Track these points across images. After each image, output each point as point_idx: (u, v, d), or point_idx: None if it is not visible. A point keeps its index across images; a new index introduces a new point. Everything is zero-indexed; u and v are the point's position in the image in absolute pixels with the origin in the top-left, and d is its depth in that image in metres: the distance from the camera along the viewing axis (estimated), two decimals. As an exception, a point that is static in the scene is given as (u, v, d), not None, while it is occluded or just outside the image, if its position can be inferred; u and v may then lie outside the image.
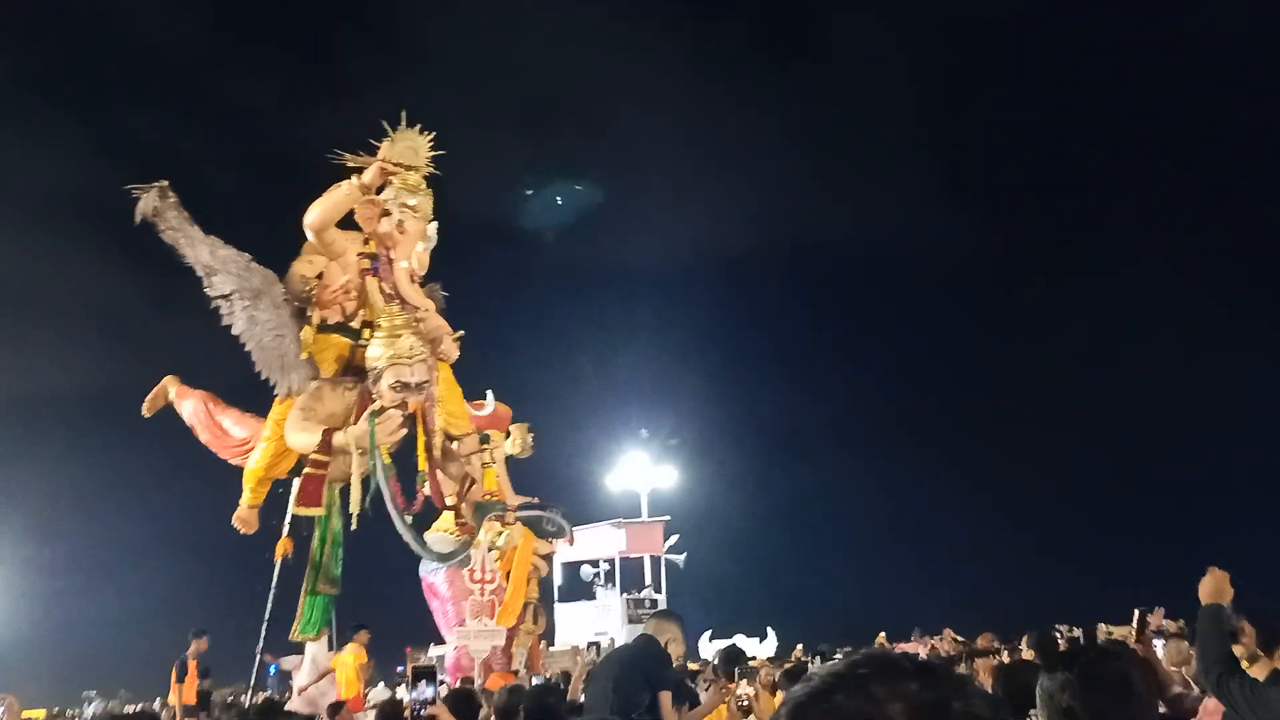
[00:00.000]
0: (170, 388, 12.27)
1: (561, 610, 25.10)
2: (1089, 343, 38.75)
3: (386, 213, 10.86)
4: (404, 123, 10.95)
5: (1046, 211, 39.64)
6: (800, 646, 19.04)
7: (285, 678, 13.50)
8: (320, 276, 11.18)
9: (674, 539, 25.82)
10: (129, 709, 12.98)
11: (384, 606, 12.29)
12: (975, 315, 40.99)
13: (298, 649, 12.13)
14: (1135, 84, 37.64)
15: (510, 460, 14.23)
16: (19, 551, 24.42)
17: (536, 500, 11.99)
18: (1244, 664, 4.18)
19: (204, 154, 34.23)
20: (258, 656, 12.07)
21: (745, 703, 6.73)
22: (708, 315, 40.89)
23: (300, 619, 11.33)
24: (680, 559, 25.61)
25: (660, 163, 41.32)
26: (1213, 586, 4.35)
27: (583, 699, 6.20)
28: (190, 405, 12.02)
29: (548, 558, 13.37)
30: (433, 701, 4.01)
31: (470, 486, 11.70)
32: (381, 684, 16.48)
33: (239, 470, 11.78)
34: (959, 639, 16.22)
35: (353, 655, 11.28)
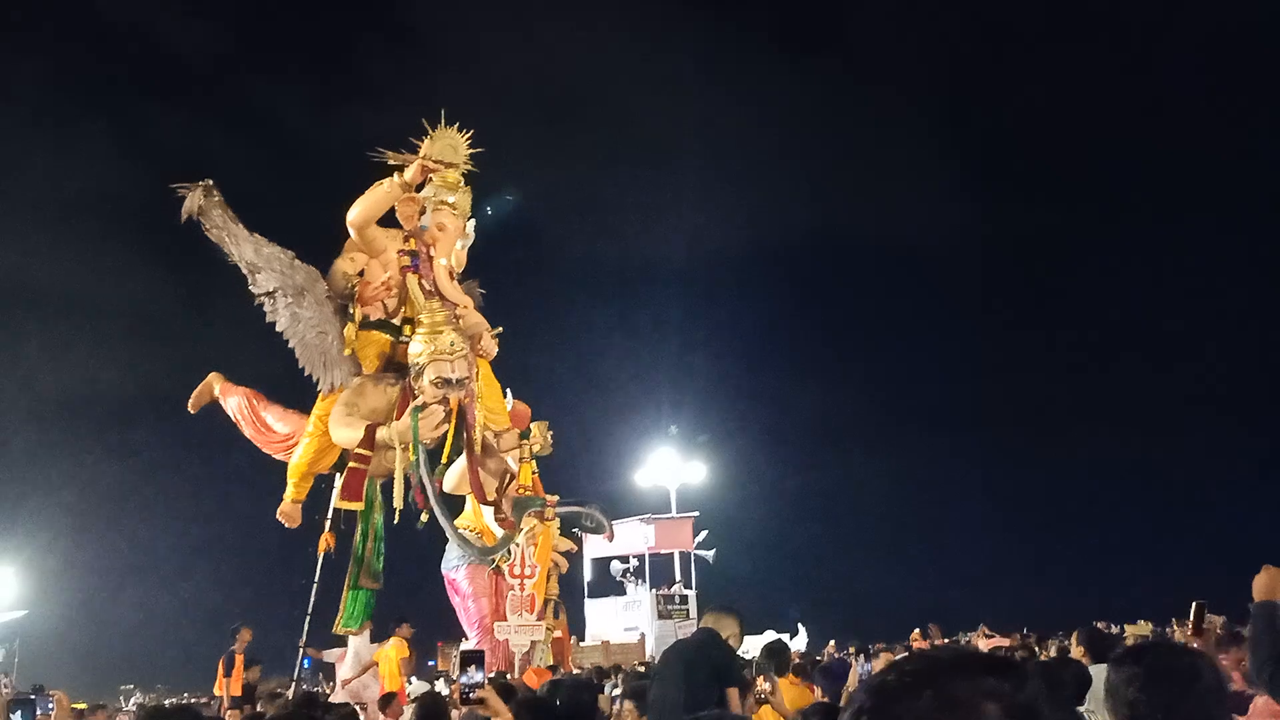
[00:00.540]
0: (215, 384, 12.43)
1: (591, 606, 25.20)
2: (1119, 332, 38.38)
3: (426, 210, 10.97)
4: (443, 121, 11.06)
5: (1071, 202, 39.25)
6: (832, 643, 19.04)
7: (319, 670, 13.65)
8: (362, 273, 11.31)
9: (703, 535, 25.86)
10: (167, 703, 13.18)
11: (418, 602, 12.39)
12: (1003, 307, 40.77)
13: (338, 642, 12.27)
14: (1162, 75, 37.21)
15: (535, 459, 14.33)
16: (61, 549, 24.82)
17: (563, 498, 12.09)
18: None
19: (231, 156, 34.58)
20: (300, 650, 12.23)
21: (761, 695, 6.77)
22: (735, 312, 40.95)
23: (343, 613, 11.44)
24: (709, 554, 25.64)
25: (685, 160, 41.37)
26: (1266, 583, 4.31)
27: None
28: (234, 401, 12.18)
29: (568, 555, 13.41)
30: (481, 685, 4.04)
31: (509, 482, 11.79)
32: (414, 679, 16.62)
33: (280, 466, 11.94)
34: (989, 633, 16.19)
35: (395, 649, 11.40)
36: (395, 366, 11.12)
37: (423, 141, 10.87)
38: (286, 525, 11.71)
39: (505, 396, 13.64)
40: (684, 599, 24.57)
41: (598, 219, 42.17)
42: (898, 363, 42.54)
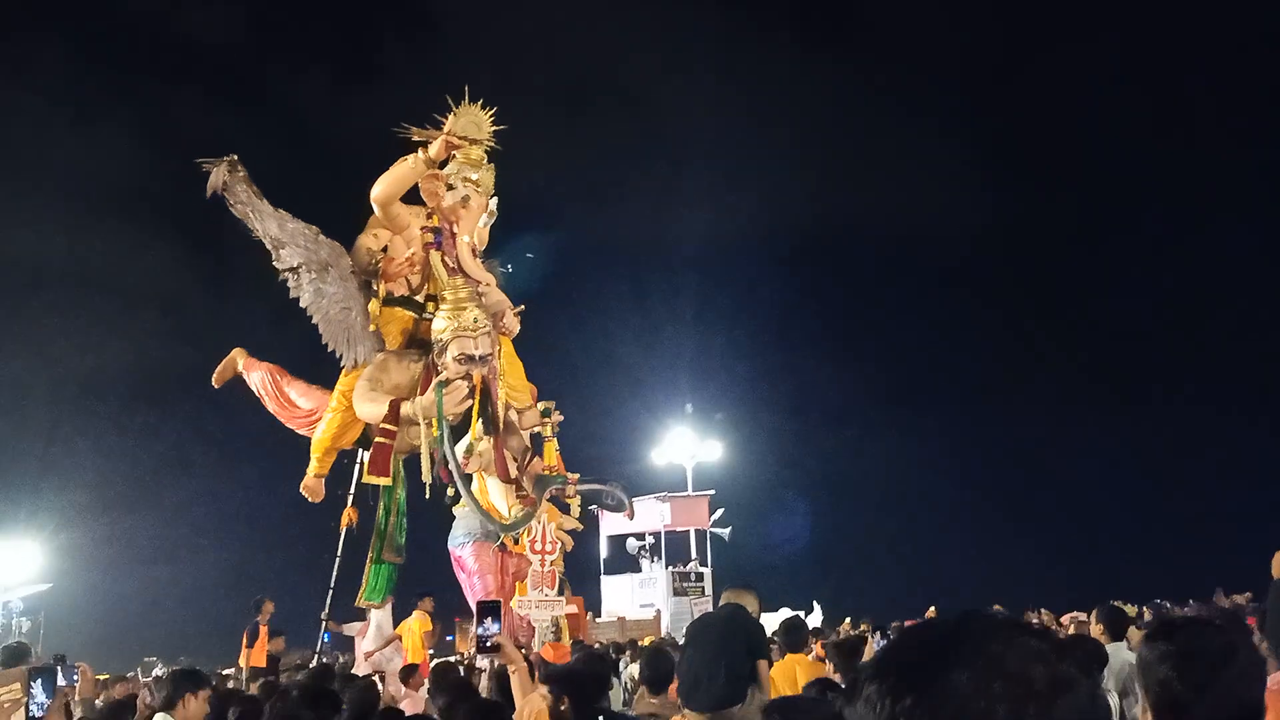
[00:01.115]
0: (239, 359, 12.50)
1: (607, 583, 25.31)
2: (1134, 318, 38.18)
3: (450, 187, 10.95)
4: (466, 98, 11.03)
5: (1091, 188, 38.94)
6: (848, 620, 19.09)
7: (339, 643, 13.77)
8: (385, 250, 11.35)
9: (719, 513, 25.88)
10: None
11: (440, 576, 12.47)
12: (1020, 291, 40.54)
13: (357, 616, 12.40)
14: (1182, 59, 36.83)
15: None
16: (83, 523, 25.08)
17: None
18: None
19: (250, 140, 34.56)
20: (323, 623, 12.36)
21: None
22: (752, 291, 40.86)
23: (365, 586, 11.57)
24: (725, 533, 25.68)
25: (703, 140, 41.13)
26: None
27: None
28: (258, 376, 12.25)
29: (578, 533, 13.44)
30: (498, 634, 4.10)
31: (530, 459, 11.84)
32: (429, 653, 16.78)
33: (303, 441, 12.02)
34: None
35: (418, 622, 11.51)
36: (418, 343, 11.17)
37: (446, 118, 10.85)
38: (309, 499, 11.80)
39: None
40: (699, 576, 24.65)
41: (614, 201, 42.08)
42: (914, 343, 42.39)
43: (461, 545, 11.40)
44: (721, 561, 25.50)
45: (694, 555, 25.36)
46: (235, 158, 10.52)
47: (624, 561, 25.56)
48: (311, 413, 11.78)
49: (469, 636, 12.49)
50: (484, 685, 7.33)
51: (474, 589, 11.32)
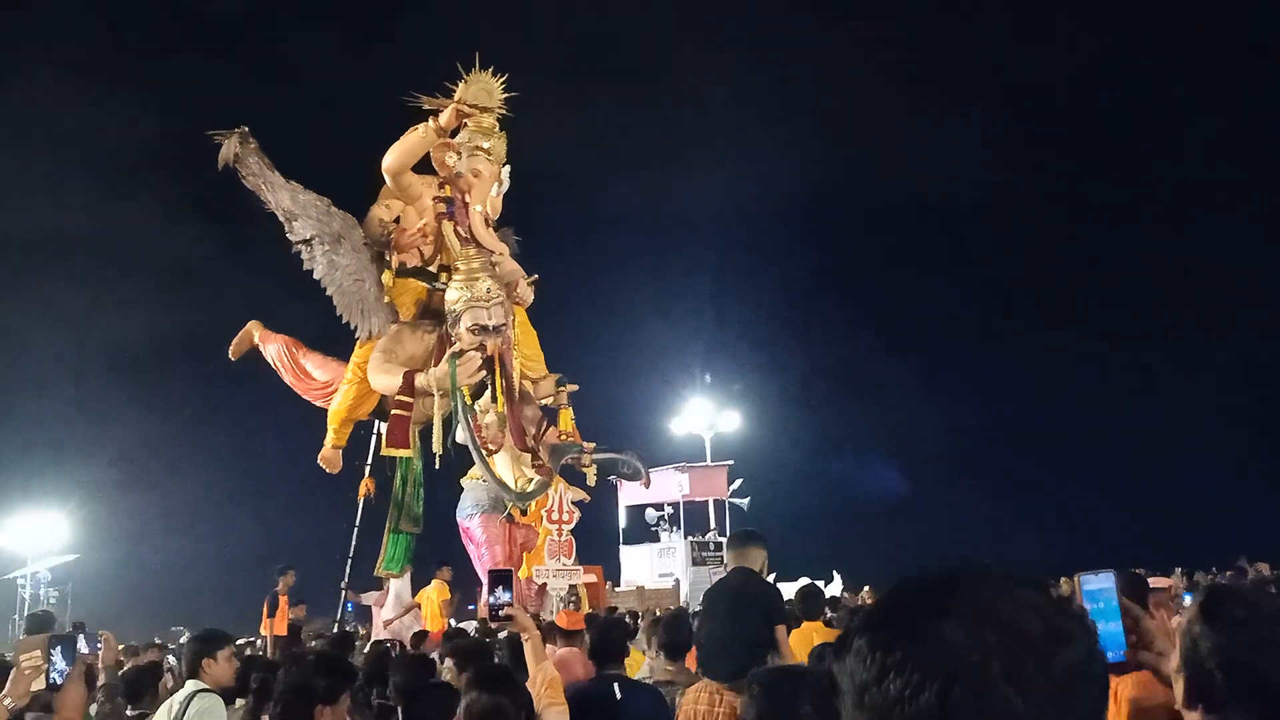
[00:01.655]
0: (255, 332, 12.55)
1: (626, 552, 25.39)
2: (1158, 286, 37.70)
3: (461, 155, 10.87)
4: (477, 65, 10.92)
5: (1116, 149, 38.32)
6: (867, 589, 19.10)
7: (361, 613, 13.90)
8: (398, 220, 11.31)
9: (738, 483, 25.87)
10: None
11: (458, 545, 12.53)
12: (1041, 255, 40.09)
13: (373, 585, 12.51)
14: (1209, 17, 36.07)
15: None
16: (108, 495, 25.42)
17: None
18: None
19: (265, 106, 34.54)
20: (343, 592, 12.49)
21: None
22: (770, 260, 40.63)
23: (384, 556, 11.66)
24: (744, 503, 25.68)
25: (721, 105, 40.79)
26: None
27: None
28: (274, 349, 12.30)
29: (591, 504, 13.48)
30: (510, 603, 4.08)
31: (545, 428, 11.85)
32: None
33: (320, 413, 12.08)
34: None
35: (436, 590, 11.60)
36: (432, 313, 11.16)
37: (457, 86, 10.77)
38: (327, 471, 11.87)
39: None
40: (718, 546, 24.66)
41: (632, 166, 41.80)
42: (934, 308, 42.08)
43: (469, 517, 11.45)
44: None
45: (713, 525, 25.39)
46: (246, 129, 10.48)
47: (643, 531, 25.62)
48: (327, 384, 11.82)
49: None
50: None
51: (482, 559, 11.38)
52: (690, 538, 24.64)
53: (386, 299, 10.94)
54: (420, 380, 10.35)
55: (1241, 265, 34.95)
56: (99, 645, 5.86)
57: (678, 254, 39.35)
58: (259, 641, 12.18)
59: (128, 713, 5.54)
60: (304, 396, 12.19)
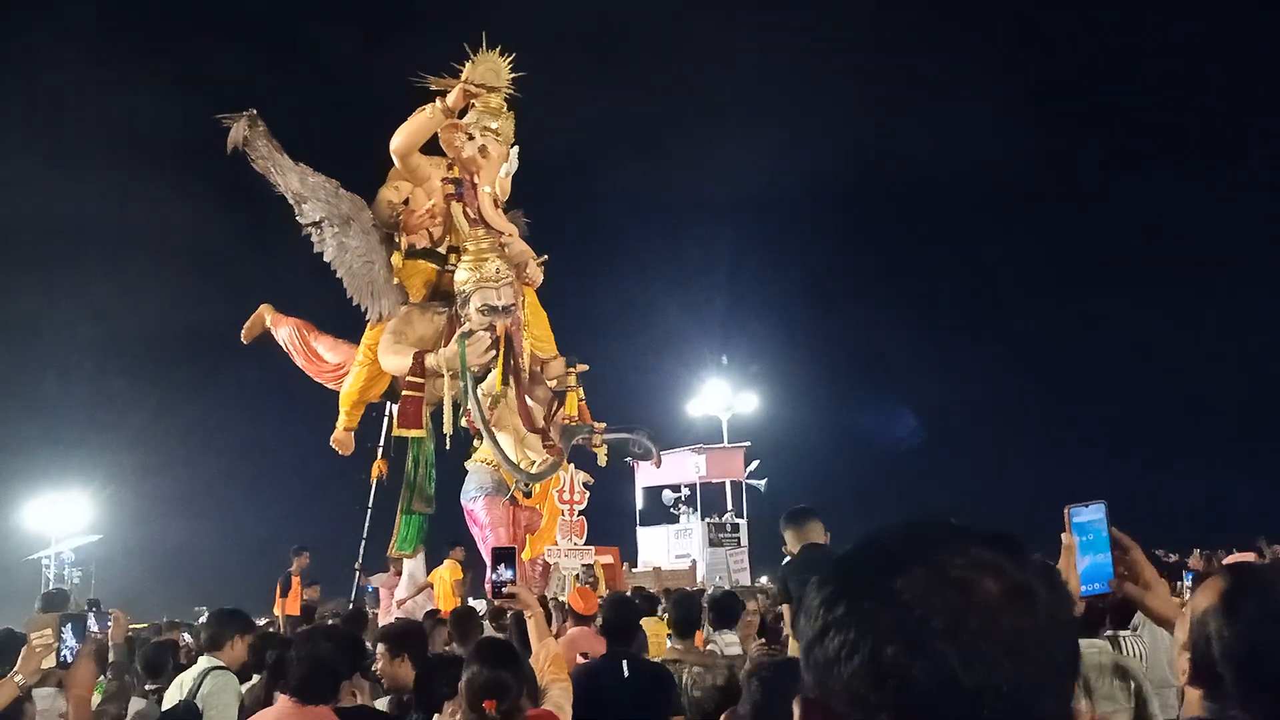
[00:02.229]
0: (266, 315, 12.62)
1: (643, 533, 25.46)
2: (1191, 262, 37.21)
3: (470, 136, 10.86)
4: (484, 45, 10.90)
5: (1140, 125, 37.80)
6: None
7: (377, 595, 14.00)
8: (406, 202, 11.33)
9: (755, 464, 25.85)
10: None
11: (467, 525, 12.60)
12: (1063, 233, 39.68)
13: (383, 568, 12.60)
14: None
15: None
16: (130, 476, 25.68)
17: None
18: None
19: (280, 88, 34.58)
20: (356, 573, 12.59)
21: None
22: (788, 239, 40.41)
23: (397, 537, 11.73)
24: (761, 484, 25.66)
25: (737, 85, 40.52)
26: None
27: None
28: (285, 332, 12.37)
29: (586, 486, 13.45)
30: (512, 581, 4.08)
31: (556, 409, 11.87)
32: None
33: (334, 395, 12.16)
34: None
35: (449, 570, 11.65)
36: (442, 294, 11.19)
37: (465, 67, 10.75)
38: (340, 453, 11.95)
39: None
40: (735, 527, 24.69)
41: (648, 147, 41.63)
42: (951, 287, 41.72)
43: (473, 500, 11.47)
44: (757, 513, 25.51)
45: (730, 506, 25.39)
46: (254, 112, 10.53)
47: (659, 513, 25.67)
48: (339, 367, 11.89)
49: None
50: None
51: (486, 542, 11.42)
52: (707, 519, 24.67)
53: (396, 280, 10.98)
54: (430, 361, 10.40)
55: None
56: (109, 622, 5.93)
57: (694, 235, 39.22)
58: (272, 622, 12.29)
59: (147, 688, 5.60)
60: (316, 379, 12.28)
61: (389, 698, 4.72)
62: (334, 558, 13.92)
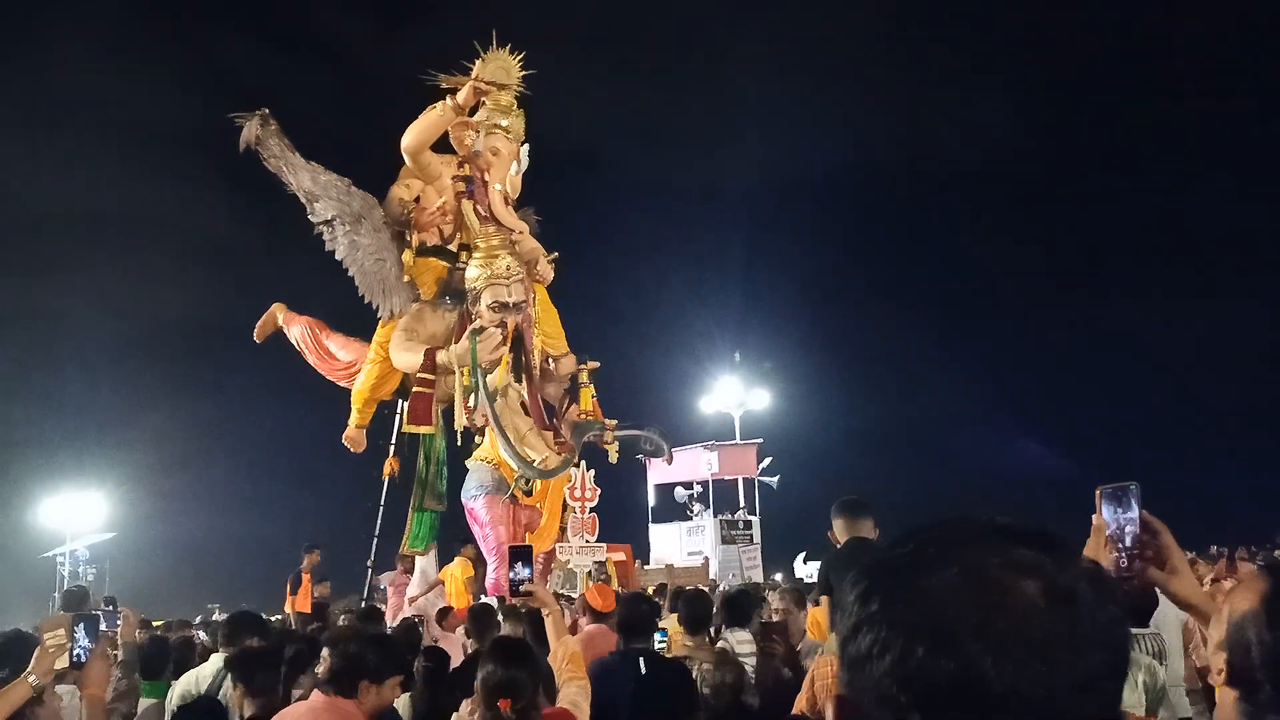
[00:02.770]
0: (279, 313, 12.65)
1: (655, 530, 25.43)
2: (1203, 254, 36.97)
3: (480, 134, 10.85)
4: (494, 43, 10.89)
5: (1149, 121, 37.55)
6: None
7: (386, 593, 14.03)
8: (417, 200, 11.33)
9: (767, 461, 25.80)
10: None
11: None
12: (1077, 228, 39.48)
13: (391, 565, 12.62)
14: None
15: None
16: (145, 474, 25.82)
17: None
18: None
19: (296, 84, 34.69)
20: (368, 571, 12.61)
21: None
22: (800, 237, 40.34)
23: (409, 534, 11.73)
24: (773, 481, 25.61)
25: (751, 79, 40.46)
26: None
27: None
28: (298, 330, 12.39)
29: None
30: (530, 579, 4.06)
31: (569, 406, 11.87)
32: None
33: (345, 393, 12.18)
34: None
35: (460, 568, 11.66)
36: (453, 292, 11.19)
37: (475, 64, 10.74)
38: (351, 450, 11.97)
39: None
40: (748, 524, 24.63)
41: (660, 142, 41.64)
42: (964, 286, 41.59)
43: (474, 498, 11.48)
44: (769, 509, 25.48)
45: (742, 503, 25.35)
46: (266, 111, 10.53)
47: (672, 510, 25.65)
48: (351, 364, 11.91)
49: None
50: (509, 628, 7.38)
51: (487, 539, 11.42)
52: (720, 516, 24.63)
53: (407, 278, 10.98)
54: (442, 358, 10.41)
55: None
56: (118, 621, 5.92)
57: (708, 231, 39.24)
58: (284, 620, 12.32)
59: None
60: (327, 377, 12.29)
61: None
62: (346, 555, 13.96)
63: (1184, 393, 34.25)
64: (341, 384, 12.13)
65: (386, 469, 12.00)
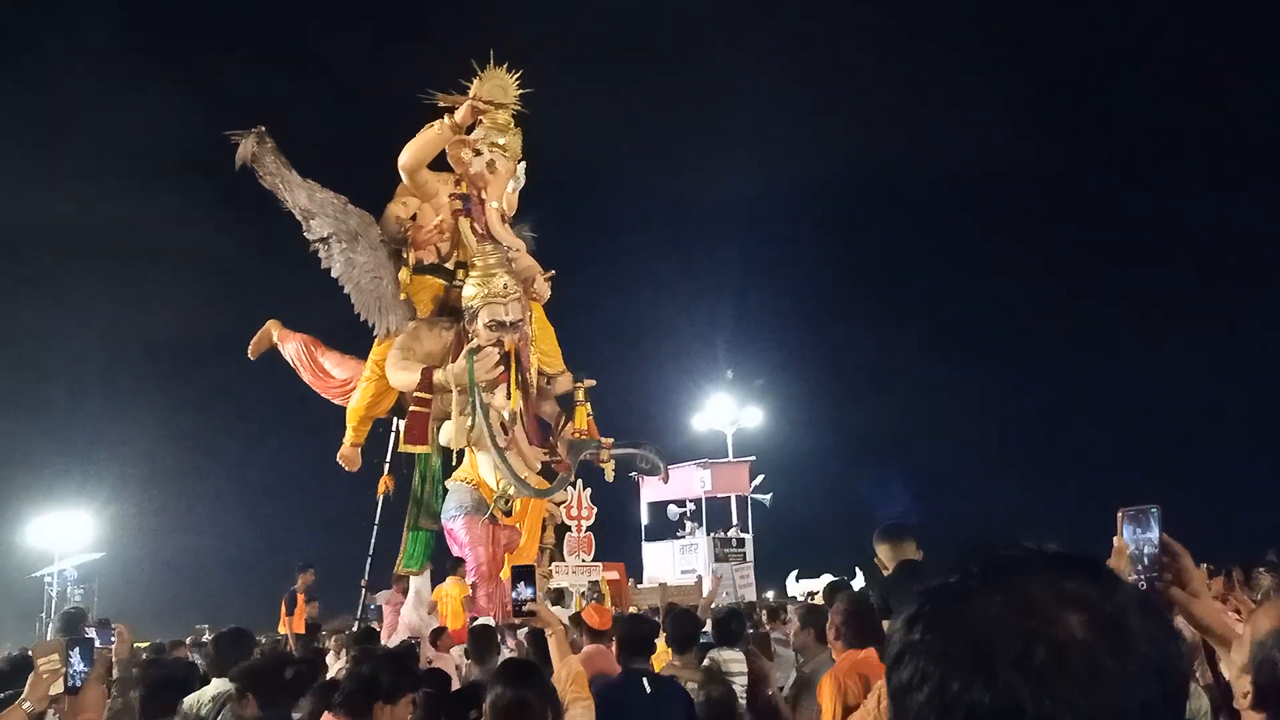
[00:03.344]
0: (273, 330, 12.61)
1: (648, 549, 25.35)
2: (1194, 266, 37.14)
3: (477, 152, 10.87)
4: (492, 61, 10.93)
5: (1146, 131, 37.81)
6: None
7: (379, 611, 13.94)
8: (414, 218, 11.33)
9: (760, 479, 25.78)
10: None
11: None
12: (1069, 241, 39.70)
13: (386, 584, 12.54)
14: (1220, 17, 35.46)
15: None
16: (133, 493, 25.64)
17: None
18: None
19: (293, 101, 34.65)
20: (363, 590, 12.52)
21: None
22: (793, 254, 40.42)
23: (403, 553, 11.67)
24: (766, 499, 25.58)
25: (743, 94, 40.63)
26: None
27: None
28: (292, 347, 12.35)
29: (562, 505, 13.37)
30: (533, 599, 4.04)
31: (564, 424, 11.84)
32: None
33: (341, 411, 12.12)
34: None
35: (457, 587, 11.58)
36: (449, 310, 11.19)
37: (473, 83, 10.77)
38: (346, 468, 11.91)
39: None
40: (741, 542, 24.57)
41: (654, 160, 41.74)
42: (955, 301, 41.69)
43: (453, 519, 11.42)
44: (763, 527, 25.43)
45: (735, 521, 25.29)
46: (263, 129, 10.54)
47: (665, 528, 25.58)
48: (346, 382, 11.87)
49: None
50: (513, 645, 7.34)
51: (467, 560, 11.36)
52: (712, 534, 24.57)
53: (404, 296, 10.97)
54: (439, 376, 10.38)
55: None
56: (113, 639, 5.84)
57: (700, 248, 39.30)
58: (278, 640, 12.22)
59: None
60: (323, 395, 12.25)
61: None
62: (339, 575, 13.88)
63: (1180, 406, 34.42)
64: (336, 402, 12.08)
65: (381, 487, 11.95)
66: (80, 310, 31.47)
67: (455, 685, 6.43)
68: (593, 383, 11.98)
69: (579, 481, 12.01)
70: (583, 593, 12.38)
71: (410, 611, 11.58)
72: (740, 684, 5.94)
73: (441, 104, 10.57)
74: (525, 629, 6.88)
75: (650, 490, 24.18)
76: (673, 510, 24.99)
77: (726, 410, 27.70)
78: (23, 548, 22.69)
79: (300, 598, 11.91)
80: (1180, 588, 1.92)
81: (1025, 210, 39.53)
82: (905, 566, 5.43)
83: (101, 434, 28.90)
